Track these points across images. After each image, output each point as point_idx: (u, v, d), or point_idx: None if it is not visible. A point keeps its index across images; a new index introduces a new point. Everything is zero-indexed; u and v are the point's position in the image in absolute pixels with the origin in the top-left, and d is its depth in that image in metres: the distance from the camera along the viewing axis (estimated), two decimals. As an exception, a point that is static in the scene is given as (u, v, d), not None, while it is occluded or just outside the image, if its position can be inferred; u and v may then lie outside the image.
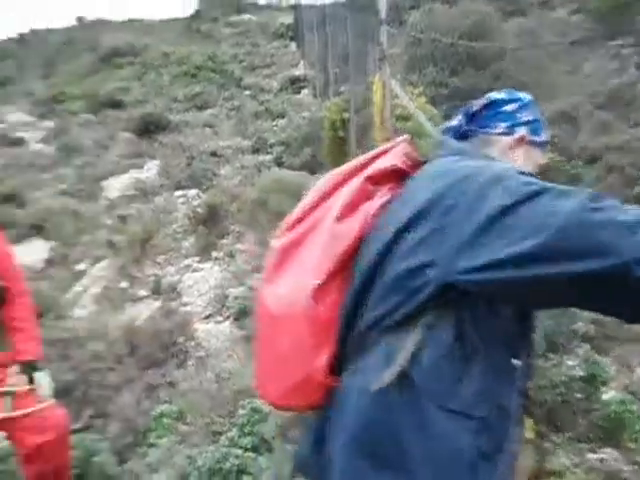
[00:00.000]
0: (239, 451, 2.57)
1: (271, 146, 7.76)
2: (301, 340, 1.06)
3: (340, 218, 1.11)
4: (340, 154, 5.37)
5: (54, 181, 8.91)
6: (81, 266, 6.34)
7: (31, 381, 2.23)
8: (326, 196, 1.17)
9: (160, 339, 4.21)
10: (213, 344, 4.38)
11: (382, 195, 1.14)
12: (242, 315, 4.71)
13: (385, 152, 1.21)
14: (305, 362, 1.06)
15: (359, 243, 1.10)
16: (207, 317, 5.03)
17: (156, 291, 5.51)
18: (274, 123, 8.73)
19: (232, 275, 5.28)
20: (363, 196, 1.14)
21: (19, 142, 10.92)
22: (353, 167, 1.20)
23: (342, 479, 1.01)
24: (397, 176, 1.17)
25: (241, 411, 2.85)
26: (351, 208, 1.12)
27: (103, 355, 4.25)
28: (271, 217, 5.62)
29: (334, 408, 1.06)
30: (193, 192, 7.27)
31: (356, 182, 1.15)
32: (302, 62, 11.56)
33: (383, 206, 1.12)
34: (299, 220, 1.17)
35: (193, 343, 4.30)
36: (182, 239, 6.43)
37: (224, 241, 5.99)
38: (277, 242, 1.17)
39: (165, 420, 3.48)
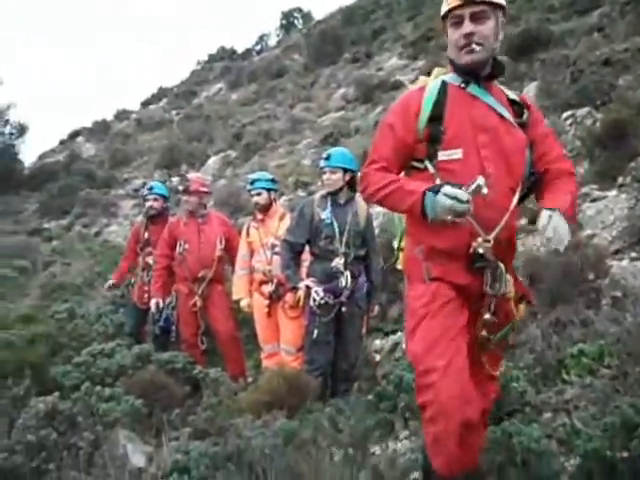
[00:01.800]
0: None
1: (694, 38, 6.09)
2: None
3: None
4: None
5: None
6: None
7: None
8: None
9: (567, 273, 3.90)
10: (631, 283, 3.81)
11: None
12: (667, 252, 3.96)
13: None
14: None
15: None
16: (616, 252, 4.43)
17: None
18: (695, 7, 6.81)
19: (648, 204, 4.46)
20: None
21: (399, 85, 11.92)
22: None
23: None
24: None
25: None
26: None
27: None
28: None
29: None
30: (584, 111, 6.43)
31: None
32: None
33: None
34: None
35: (607, 280, 3.83)
36: (575, 165, 5.81)
37: (632, 164, 5.10)
38: None
39: (584, 360, 3.25)
